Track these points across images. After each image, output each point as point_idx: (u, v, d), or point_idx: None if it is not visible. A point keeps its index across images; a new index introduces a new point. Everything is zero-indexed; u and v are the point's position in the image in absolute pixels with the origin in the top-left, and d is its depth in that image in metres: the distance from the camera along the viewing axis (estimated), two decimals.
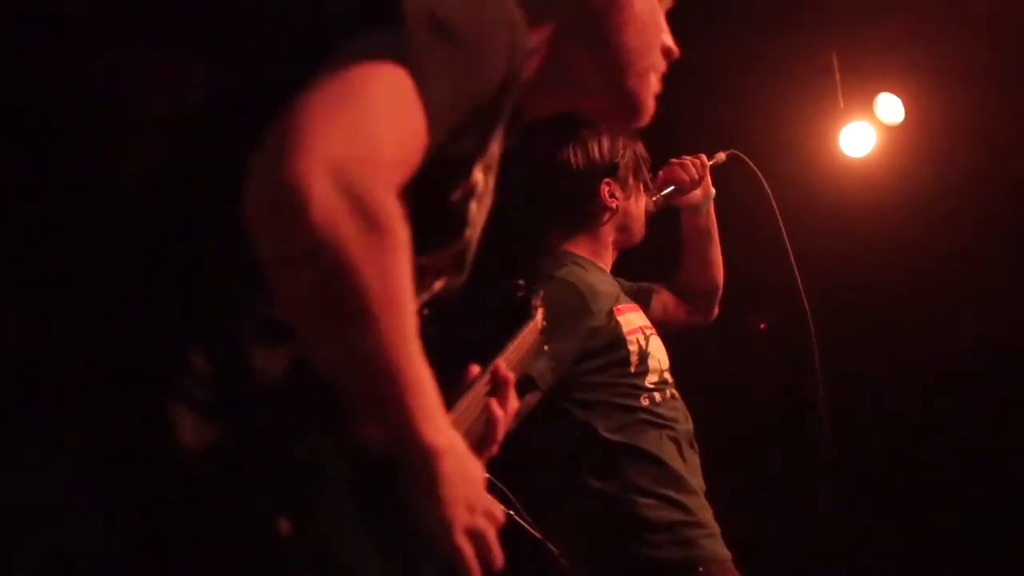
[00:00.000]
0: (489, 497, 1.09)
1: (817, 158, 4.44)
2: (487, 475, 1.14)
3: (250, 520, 0.95)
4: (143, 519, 0.94)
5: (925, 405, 4.83)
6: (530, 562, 2.28)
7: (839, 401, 3.06)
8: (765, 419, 4.81)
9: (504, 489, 2.15)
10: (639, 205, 2.77)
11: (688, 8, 1.51)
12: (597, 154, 2.69)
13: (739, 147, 2.99)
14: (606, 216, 2.70)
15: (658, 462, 2.44)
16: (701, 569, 2.39)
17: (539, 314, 1.70)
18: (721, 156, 2.93)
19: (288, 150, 0.90)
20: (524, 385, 2.31)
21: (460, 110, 1.07)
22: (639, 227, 2.78)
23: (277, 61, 1.11)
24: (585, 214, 2.70)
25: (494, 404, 1.31)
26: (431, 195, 1.09)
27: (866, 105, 4.30)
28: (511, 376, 1.35)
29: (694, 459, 2.55)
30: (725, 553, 2.50)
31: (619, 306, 2.60)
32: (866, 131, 4.32)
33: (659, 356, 2.60)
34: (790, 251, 2.93)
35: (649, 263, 2.94)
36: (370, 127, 0.95)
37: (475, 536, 1.05)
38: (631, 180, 2.74)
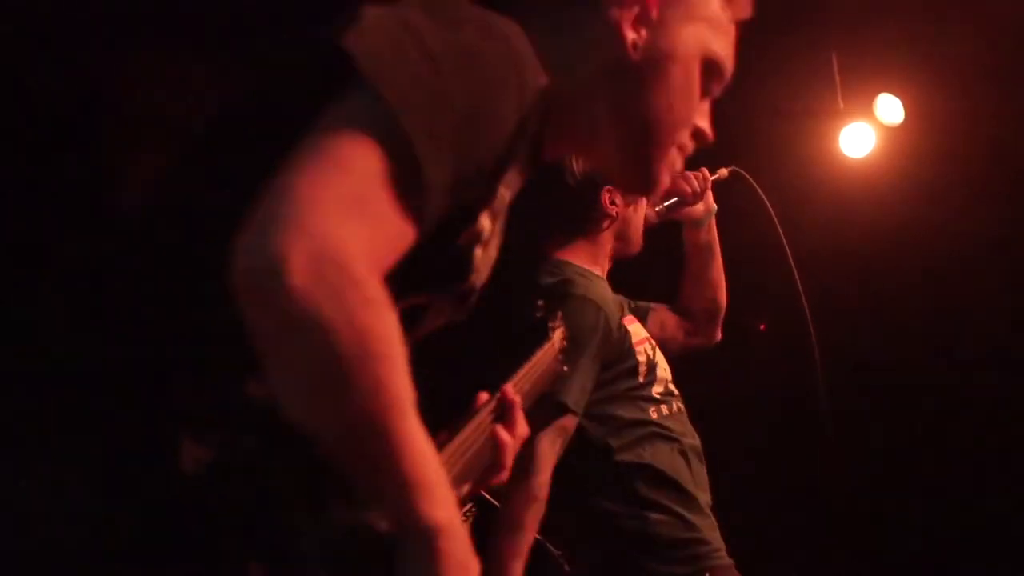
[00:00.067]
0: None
1: (817, 159, 4.44)
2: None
3: (225, 563, 0.94)
4: (127, 544, 0.94)
5: (925, 404, 4.83)
6: (532, 565, 2.28)
7: (839, 401, 3.07)
8: (765, 420, 4.81)
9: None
10: (639, 214, 2.76)
11: None
12: None
13: (739, 147, 2.99)
14: (606, 223, 2.69)
15: (669, 479, 2.45)
16: (708, 575, 2.41)
17: (556, 335, 1.69)
18: (723, 172, 2.92)
19: (270, 228, 0.89)
20: (556, 410, 2.32)
21: (458, 171, 1.02)
22: (637, 236, 2.77)
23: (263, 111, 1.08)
24: (585, 220, 2.68)
25: (500, 430, 1.29)
26: (434, 239, 1.05)
27: (866, 106, 4.30)
28: (517, 400, 1.33)
29: (702, 473, 2.57)
30: (729, 561, 2.52)
31: (627, 316, 2.62)
32: (866, 132, 4.32)
33: (664, 366, 2.62)
34: (794, 270, 2.92)
35: (651, 285, 2.93)
36: (357, 206, 0.93)
37: None
38: None
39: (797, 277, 2.95)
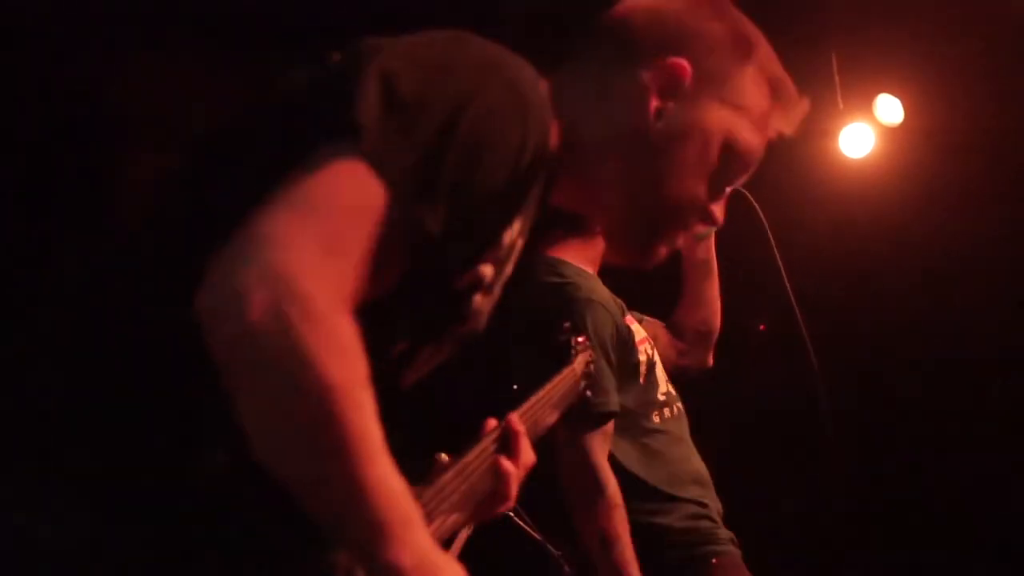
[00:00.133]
0: None
1: (817, 159, 4.44)
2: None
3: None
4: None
5: (925, 404, 4.83)
6: (532, 565, 2.28)
7: (839, 401, 3.06)
8: (765, 420, 4.81)
9: None
10: None
11: None
12: None
13: None
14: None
15: (666, 487, 2.45)
16: (714, 561, 2.41)
17: (579, 360, 1.66)
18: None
19: (236, 266, 0.88)
20: (600, 419, 2.35)
21: (453, 217, 1.00)
22: None
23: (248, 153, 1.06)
24: (579, 219, 2.68)
25: (503, 460, 1.28)
26: (431, 284, 1.05)
27: (865, 106, 4.30)
28: (522, 430, 1.32)
29: (702, 472, 2.57)
30: (735, 550, 2.52)
31: (627, 316, 2.62)
32: (865, 132, 4.32)
33: (662, 368, 2.63)
34: (789, 289, 2.89)
35: (648, 302, 2.91)
36: (331, 245, 0.91)
37: None
38: None
39: (787, 284, 2.90)
